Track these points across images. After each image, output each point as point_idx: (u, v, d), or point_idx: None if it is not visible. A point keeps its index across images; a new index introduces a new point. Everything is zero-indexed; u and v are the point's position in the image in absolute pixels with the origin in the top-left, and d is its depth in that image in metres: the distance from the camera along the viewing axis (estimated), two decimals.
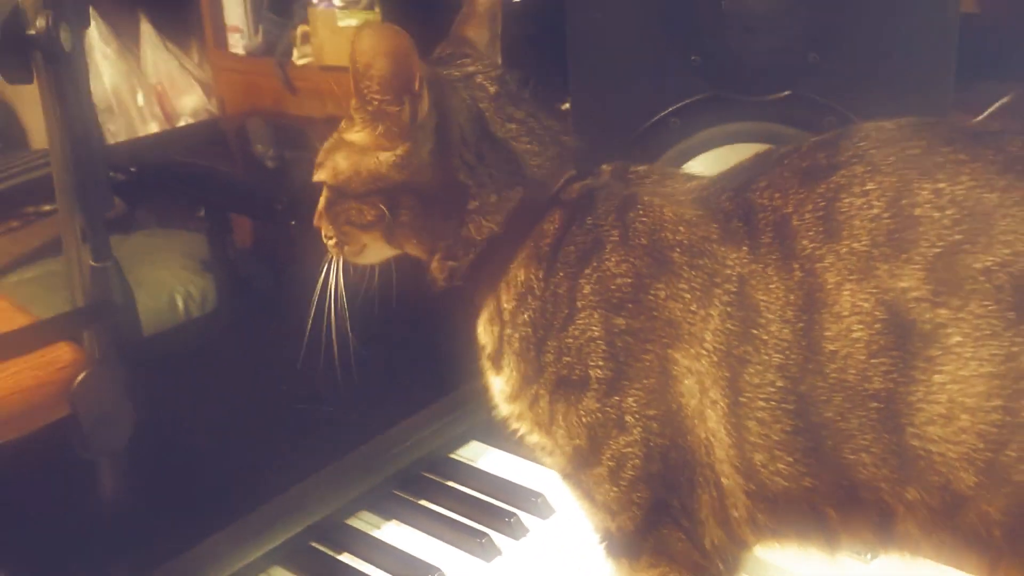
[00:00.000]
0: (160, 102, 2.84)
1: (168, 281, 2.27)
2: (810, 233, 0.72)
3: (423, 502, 1.14)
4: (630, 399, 0.77)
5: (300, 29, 2.46)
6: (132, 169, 2.35)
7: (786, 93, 1.16)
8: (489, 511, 1.12)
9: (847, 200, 0.72)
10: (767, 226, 0.74)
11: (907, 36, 1.13)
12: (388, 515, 1.12)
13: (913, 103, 1.15)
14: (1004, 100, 1.36)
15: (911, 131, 0.73)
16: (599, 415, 0.78)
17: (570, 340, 0.79)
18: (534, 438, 0.85)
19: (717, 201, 0.78)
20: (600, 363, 0.77)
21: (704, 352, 0.75)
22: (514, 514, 1.10)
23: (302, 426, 1.16)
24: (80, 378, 0.89)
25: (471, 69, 0.84)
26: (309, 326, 0.87)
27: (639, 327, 0.77)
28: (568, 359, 0.79)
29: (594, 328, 0.78)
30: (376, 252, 0.88)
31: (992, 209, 0.68)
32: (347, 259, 0.87)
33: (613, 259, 0.78)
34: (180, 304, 2.26)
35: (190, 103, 2.87)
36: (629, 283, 0.77)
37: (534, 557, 1.06)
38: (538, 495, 1.12)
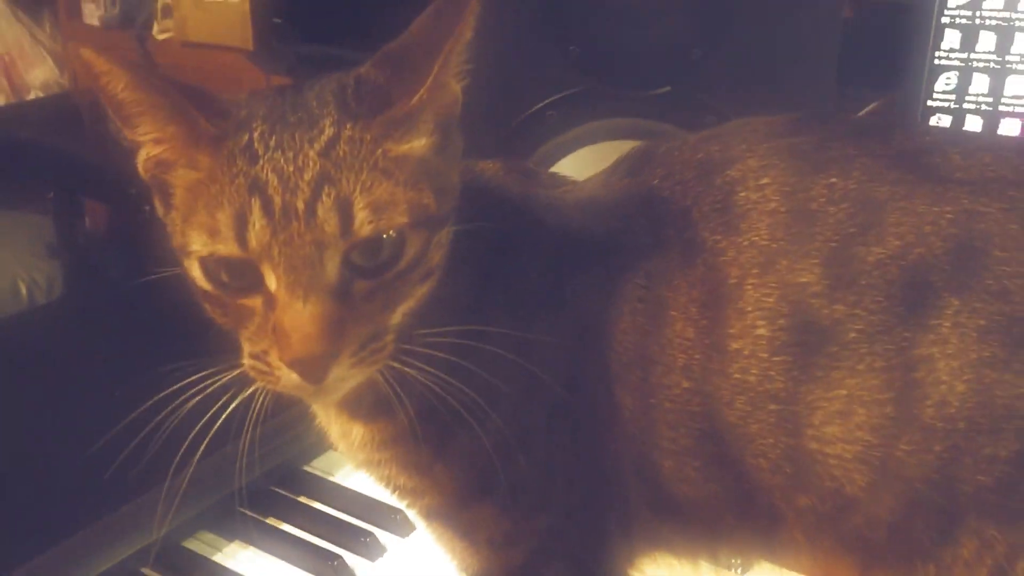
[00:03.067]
0: (7, 74, 2.65)
1: (11, 266, 2.13)
2: (710, 225, 0.69)
3: (271, 520, 1.05)
4: (536, 415, 0.70)
5: (161, 1, 2.32)
6: None
7: (666, 89, 1.11)
8: (344, 530, 1.03)
9: (743, 194, 0.69)
10: (668, 218, 0.71)
11: (792, 36, 1.10)
12: (231, 536, 1.02)
13: (795, 105, 1.12)
14: (871, 107, 1.35)
15: (800, 126, 0.71)
16: (499, 439, 0.69)
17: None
18: (401, 482, 0.76)
19: (616, 191, 0.74)
20: (504, 381, 0.68)
21: (614, 352, 0.70)
22: (371, 533, 1.02)
23: (134, 433, 1.05)
24: None
25: None
26: None
27: (547, 328, 0.69)
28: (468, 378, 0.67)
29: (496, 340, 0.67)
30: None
31: (883, 202, 0.67)
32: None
33: (523, 258, 0.71)
34: (24, 291, 2.12)
35: (40, 76, 2.69)
36: (538, 281, 0.70)
37: None
38: (397, 511, 1.04)
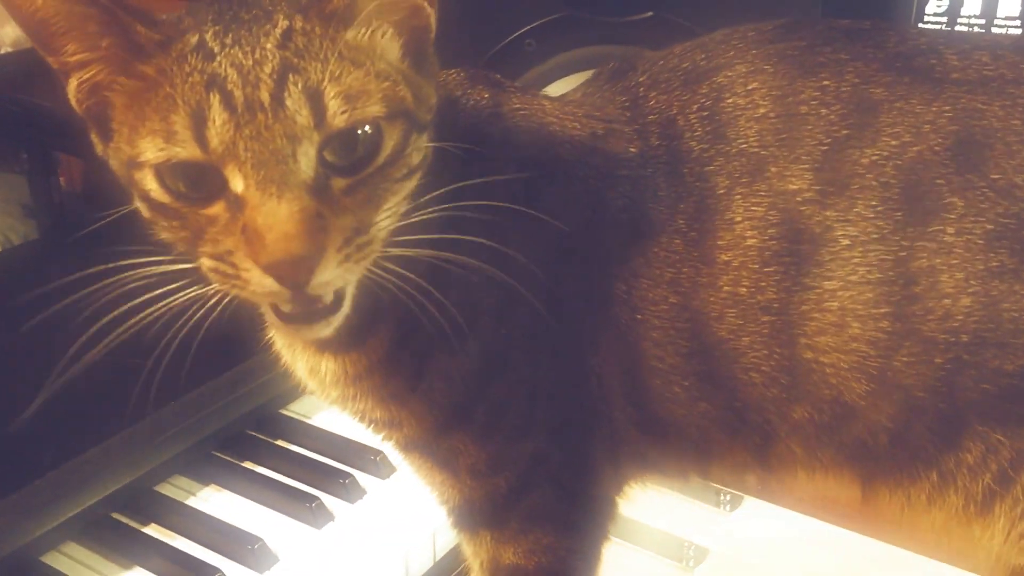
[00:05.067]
0: None
1: None
2: (697, 134, 0.67)
3: (247, 464, 1.02)
4: (516, 332, 0.67)
5: None
6: None
7: (648, 15, 1.07)
8: (322, 472, 1.01)
9: (731, 100, 0.67)
10: (653, 127, 0.68)
11: None
12: (205, 479, 1.00)
13: None
14: None
15: (788, 31, 0.68)
16: (479, 359, 0.66)
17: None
18: (377, 415, 0.72)
19: (596, 98, 0.71)
20: (483, 297, 0.65)
21: (595, 266, 0.67)
22: (350, 475, 1.00)
23: (103, 375, 1.01)
24: None
25: None
26: None
27: (523, 238, 0.65)
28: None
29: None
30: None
31: (878, 103, 0.64)
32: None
33: (495, 170, 0.66)
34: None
35: (11, 33, 2.62)
36: (512, 192, 0.66)
37: (371, 522, 0.96)
38: (377, 452, 1.01)
